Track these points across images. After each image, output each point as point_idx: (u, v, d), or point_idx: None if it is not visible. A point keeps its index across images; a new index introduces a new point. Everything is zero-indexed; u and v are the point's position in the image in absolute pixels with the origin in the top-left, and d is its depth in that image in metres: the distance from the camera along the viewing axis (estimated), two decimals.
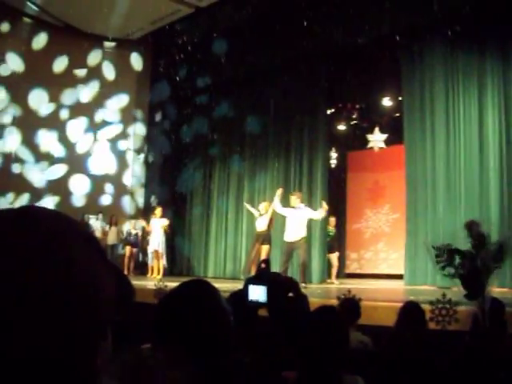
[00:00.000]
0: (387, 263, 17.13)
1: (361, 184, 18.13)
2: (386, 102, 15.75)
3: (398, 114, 15.24)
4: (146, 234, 16.35)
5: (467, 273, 5.65)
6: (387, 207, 17.55)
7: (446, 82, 13.12)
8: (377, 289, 12.34)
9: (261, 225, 13.23)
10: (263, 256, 12.44)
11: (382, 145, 16.26)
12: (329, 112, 16.22)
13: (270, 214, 13.12)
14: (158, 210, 15.46)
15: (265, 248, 13.00)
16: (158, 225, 15.22)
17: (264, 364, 2.93)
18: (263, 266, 3.02)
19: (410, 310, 5.09)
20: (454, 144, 12.83)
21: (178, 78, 16.85)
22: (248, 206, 14.57)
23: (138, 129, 18.11)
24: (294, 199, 12.49)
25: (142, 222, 16.79)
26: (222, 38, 14.93)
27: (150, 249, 15.35)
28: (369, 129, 16.83)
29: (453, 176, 12.76)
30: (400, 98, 14.67)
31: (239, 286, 3.00)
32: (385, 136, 16.16)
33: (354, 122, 17.30)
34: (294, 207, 12.43)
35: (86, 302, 0.76)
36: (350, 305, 5.84)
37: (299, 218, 12.23)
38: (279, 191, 12.86)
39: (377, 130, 16.29)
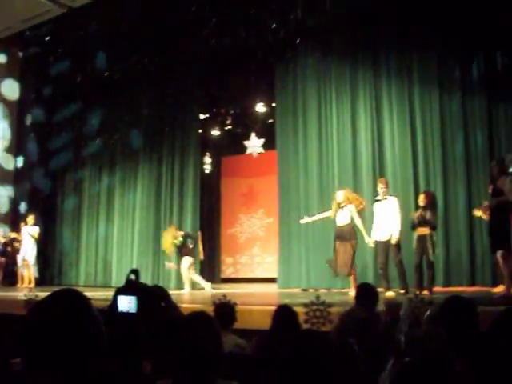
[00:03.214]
0: (262, 267, 17.30)
1: (235, 189, 18.22)
2: (260, 107, 15.83)
3: (271, 120, 15.44)
4: (16, 242, 15.73)
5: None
6: (261, 212, 17.72)
7: (319, 89, 13.47)
8: (252, 293, 12.41)
9: (344, 218, 10.79)
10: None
11: (260, 150, 16.43)
12: (202, 117, 16.21)
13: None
14: (30, 218, 14.93)
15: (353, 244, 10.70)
16: (29, 233, 14.73)
17: (137, 374, 2.86)
18: (132, 275, 2.94)
19: (283, 313, 5.16)
20: (327, 150, 13.18)
21: (48, 80, 16.33)
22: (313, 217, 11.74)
23: (5, 131, 17.37)
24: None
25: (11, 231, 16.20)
26: (94, 39, 14.56)
27: (20, 258, 14.82)
28: (243, 134, 16.94)
29: (326, 181, 13.09)
30: (273, 104, 14.87)
31: (111, 293, 2.92)
32: (262, 141, 16.34)
33: (228, 127, 17.32)
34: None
35: None
36: (225, 309, 5.83)
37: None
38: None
39: (253, 135, 16.43)
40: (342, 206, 10.73)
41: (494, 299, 8.29)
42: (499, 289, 9.24)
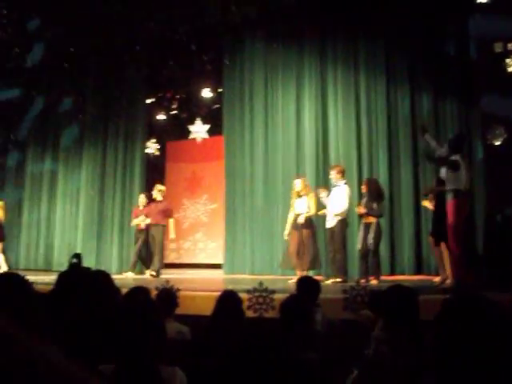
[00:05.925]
0: (206, 253, 17.29)
1: (179, 174, 18.13)
2: (206, 93, 15.74)
3: (217, 106, 15.40)
4: None
5: None
6: (205, 197, 17.68)
7: (266, 75, 13.48)
8: (195, 278, 12.38)
9: (301, 207, 10.73)
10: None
11: (205, 135, 16.36)
12: (148, 101, 16.02)
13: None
14: None
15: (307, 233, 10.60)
16: None
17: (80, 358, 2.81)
18: (75, 259, 2.91)
19: (227, 299, 5.13)
20: (273, 136, 13.21)
21: None
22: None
23: None
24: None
25: None
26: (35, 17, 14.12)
27: None
28: (188, 119, 16.83)
29: (271, 167, 13.13)
30: (220, 90, 14.81)
31: (53, 277, 2.87)
32: (207, 126, 16.27)
33: (174, 111, 17.18)
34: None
35: None
36: (168, 295, 5.79)
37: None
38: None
39: (198, 120, 16.34)
40: (300, 194, 10.71)
41: (435, 288, 8.44)
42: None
